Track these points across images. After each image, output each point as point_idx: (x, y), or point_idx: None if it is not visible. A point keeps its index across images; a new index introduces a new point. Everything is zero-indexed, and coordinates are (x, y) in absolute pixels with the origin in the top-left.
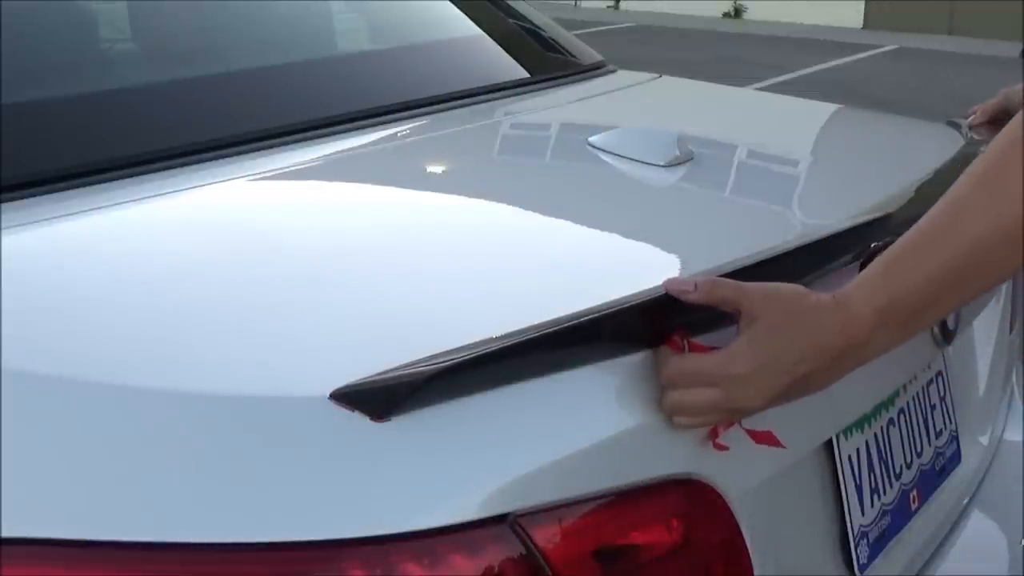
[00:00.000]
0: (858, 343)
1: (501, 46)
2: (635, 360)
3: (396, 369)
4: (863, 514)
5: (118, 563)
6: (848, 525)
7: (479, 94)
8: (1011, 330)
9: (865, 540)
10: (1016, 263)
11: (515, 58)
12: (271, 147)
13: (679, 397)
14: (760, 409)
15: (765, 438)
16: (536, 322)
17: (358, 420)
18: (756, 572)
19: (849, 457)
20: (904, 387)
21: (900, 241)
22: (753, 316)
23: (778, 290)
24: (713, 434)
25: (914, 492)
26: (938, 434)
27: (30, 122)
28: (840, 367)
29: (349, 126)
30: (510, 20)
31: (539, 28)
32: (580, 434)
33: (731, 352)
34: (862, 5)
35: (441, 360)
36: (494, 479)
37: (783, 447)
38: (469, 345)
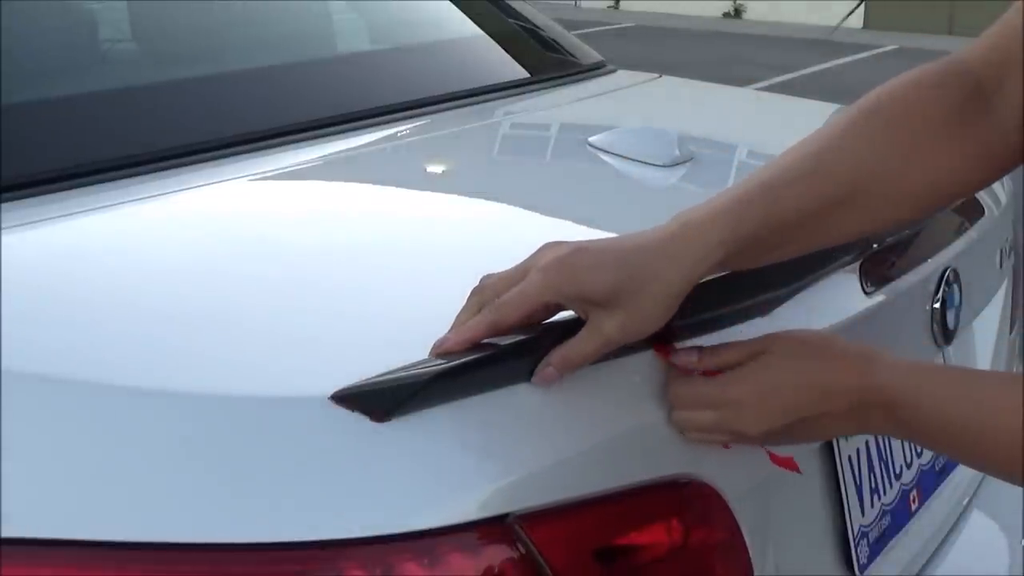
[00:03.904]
0: (869, 404)
1: (501, 46)
2: (635, 360)
3: (397, 370)
4: (863, 514)
5: (118, 563)
6: (848, 525)
7: (479, 94)
8: (1011, 330)
9: (865, 540)
10: None
11: (515, 58)
12: (271, 147)
13: (684, 416)
14: (758, 439)
15: (784, 463)
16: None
17: (358, 421)
18: (756, 572)
19: (849, 457)
20: None
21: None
22: (764, 347)
23: (794, 330)
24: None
25: (914, 492)
26: None
27: (30, 122)
28: (848, 421)
29: (349, 126)
30: (510, 20)
31: (539, 28)
32: (580, 434)
33: (732, 376)
34: (862, 5)
35: (442, 361)
36: (494, 479)
37: (800, 472)
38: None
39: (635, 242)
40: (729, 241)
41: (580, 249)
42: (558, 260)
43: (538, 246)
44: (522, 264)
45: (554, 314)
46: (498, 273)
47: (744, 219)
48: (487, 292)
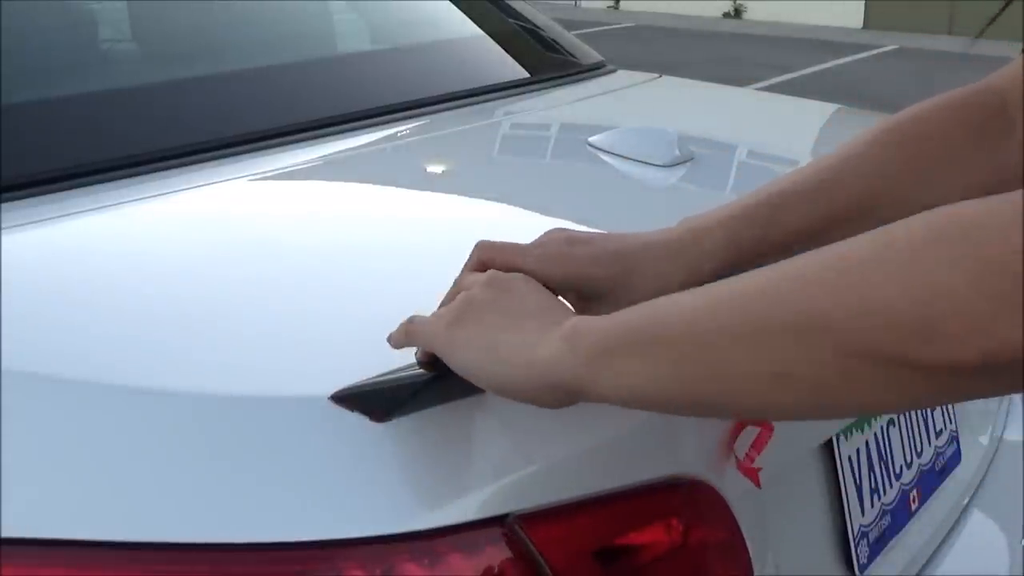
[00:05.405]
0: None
1: (501, 46)
2: None
3: (397, 371)
4: (863, 514)
5: (118, 563)
6: (848, 525)
7: (479, 94)
8: None
9: (865, 540)
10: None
11: (515, 58)
12: (271, 147)
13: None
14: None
15: (749, 473)
16: None
17: (358, 421)
18: (756, 572)
19: (849, 457)
20: None
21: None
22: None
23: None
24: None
25: (914, 492)
26: (938, 434)
27: (30, 122)
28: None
29: (349, 126)
30: (510, 20)
31: (539, 28)
32: (580, 434)
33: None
34: (862, 5)
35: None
36: (494, 479)
37: (759, 487)
38: None
39: (638, 240)
40: (732, 248)
41: (581, 241)
42: (558, 250)
43: None
44: (527, 244)
45: None
46: (500, 243)
47: (749, 227)
48: (486, 254)
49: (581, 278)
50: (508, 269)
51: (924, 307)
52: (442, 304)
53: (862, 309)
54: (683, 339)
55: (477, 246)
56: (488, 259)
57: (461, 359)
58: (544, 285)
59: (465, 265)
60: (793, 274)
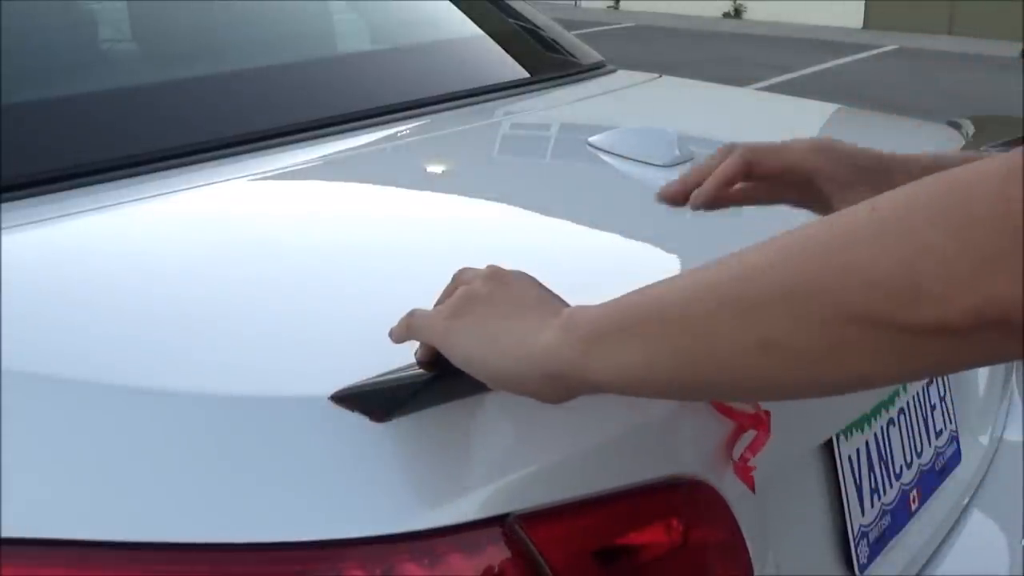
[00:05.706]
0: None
1: (501, 46)
2: None
3: (397, 371)
4: (863, 514)
5: (118, 563)
6: (848, 525)
7: (479, 94)
8: None
9: (865, 540)
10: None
11: (515, 58)
12: (271, 147)
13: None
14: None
15: (745, 476)
16: None
17: (358, 421)
18: (756, 572)
19: (849, 457)
20: (904, 387)
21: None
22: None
23: None
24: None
25: (914, 492)
26: (938, 434)
27: (30, 122)
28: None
29: (349, 126)
30: (510, 20)
31: (539, 28)
32: (580, 434)
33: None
34: (862, 5)
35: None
36: (494, 479)
37: (753, 492)
38: None
39: (892, 153)
40: None
41: (836, 142)
42: (822, 144)
43: (538, 247)
44: (785, 142)
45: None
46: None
47: None
48: (749, 155)
49: (846, 169)
50: (777, 167)
51: (910, 268)
52: (440, 299)
53: (848, 273)
54: (677, 318)
55: (735, 151)
56: (753, 161)
57: (461, 352)
58: (810, 175)
59: (717, 167)
60: (787, 247)
